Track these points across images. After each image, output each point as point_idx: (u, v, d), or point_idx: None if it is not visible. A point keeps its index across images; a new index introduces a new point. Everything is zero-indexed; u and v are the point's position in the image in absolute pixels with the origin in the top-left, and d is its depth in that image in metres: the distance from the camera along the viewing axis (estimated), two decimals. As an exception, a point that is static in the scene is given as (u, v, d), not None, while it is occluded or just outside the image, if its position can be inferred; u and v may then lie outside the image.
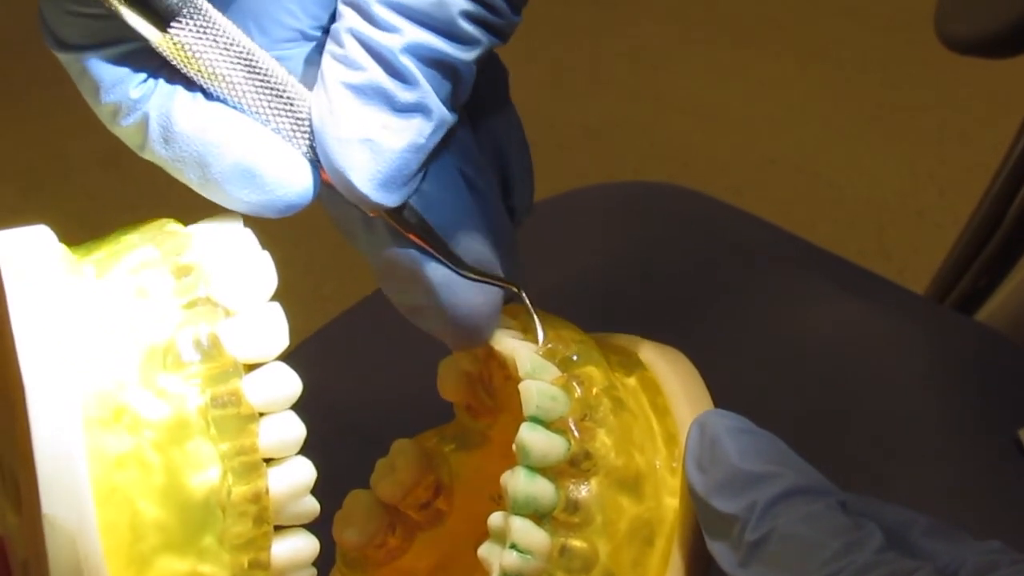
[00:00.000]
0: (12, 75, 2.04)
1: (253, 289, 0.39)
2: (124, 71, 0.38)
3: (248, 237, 0.40)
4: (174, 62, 0.38)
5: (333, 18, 0.39)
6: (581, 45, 2.09)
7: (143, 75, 0.38)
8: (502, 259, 0.42)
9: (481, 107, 0.43)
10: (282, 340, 0.39)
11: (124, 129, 0.39)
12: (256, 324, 0.38)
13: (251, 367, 0.39)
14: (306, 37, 0.40)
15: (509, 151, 0.44)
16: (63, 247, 0.39)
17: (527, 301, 0.43)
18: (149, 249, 0.39)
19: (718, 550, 0.40)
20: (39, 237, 0.38)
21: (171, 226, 0.40)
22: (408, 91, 0.38)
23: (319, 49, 0.40)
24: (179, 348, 0.38)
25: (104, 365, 0.37)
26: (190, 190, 0.40)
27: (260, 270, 0.39)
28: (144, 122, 0.39)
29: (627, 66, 2.07)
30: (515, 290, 0.43)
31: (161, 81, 0.39)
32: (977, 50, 0.83)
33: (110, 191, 1.79)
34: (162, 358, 0.38)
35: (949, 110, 1.92)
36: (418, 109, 0.38)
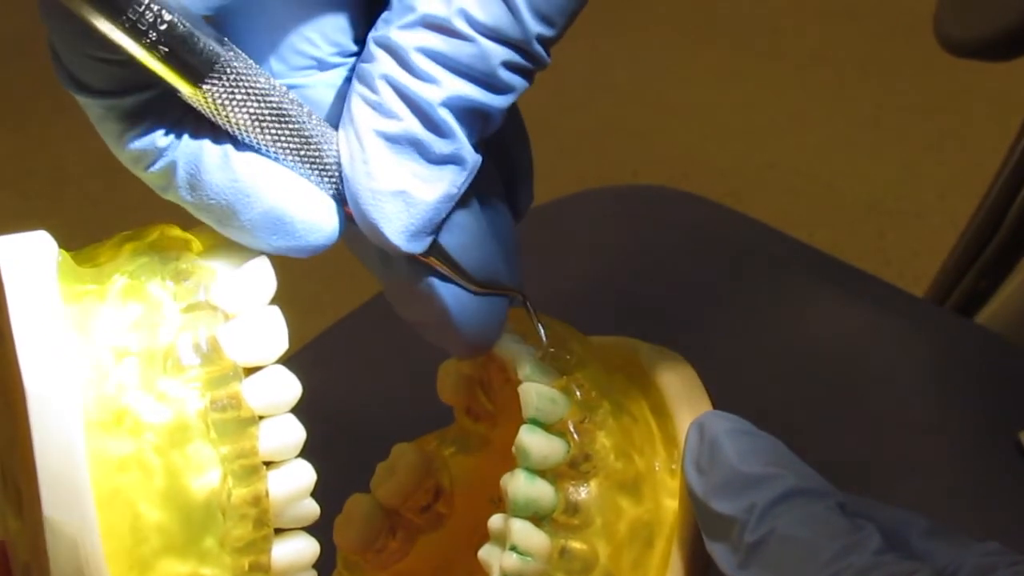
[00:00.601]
0: (11, 80, 2.04)
1: (252, 293, 0.39)
2: (149, 119, 0.37)
3: None
4: (207, 114, 0.37)
5: (355, 40, 0.39)
6: (580, 49, 2.09)
7: (168, 123, 0.37)
8: (508, 267, 0.42)
9: None
10: (281, 343, 0.39)
11: (148, 175, 0.38)
12: (255, 328, 0.38)
13: (251, 370, 0.39)
14: (323, 66, 0.39)
15: (513, 149, 0.43)
16: (63, 252, 0.39)
17: (529, 307, 0.43)
18: (149, 254, 0.39)
19: (717, 552, 0.40)
20: (39, 242, 0.38)
21: (171, 231, 0.40)
22: (444, 143, 0.37)
23: (339, 76, 0.39)
24: (179, 352, 0.38)
25: (104, 369, 0.37)
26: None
27: (259, 274, 0.39)
28: (171, 170, 0.37)
29: (626, 70, 2.07)
30: (520, 297, 0.42)
31: (188, 129, 0.38)
32: (975, 53, 0.83)
33: (111, 197, 1.79)
34: (162, 362, 0.38)
35: (948, 113, 1.92)
36: (453, 160, 0.37)
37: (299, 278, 1.57)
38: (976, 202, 0.99)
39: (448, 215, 0.39)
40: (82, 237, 0.43)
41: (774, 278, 0.84)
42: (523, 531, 0.40)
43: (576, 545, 0.41)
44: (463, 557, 0.46)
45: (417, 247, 0.38)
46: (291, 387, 0.39)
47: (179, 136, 0.37)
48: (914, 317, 0.82)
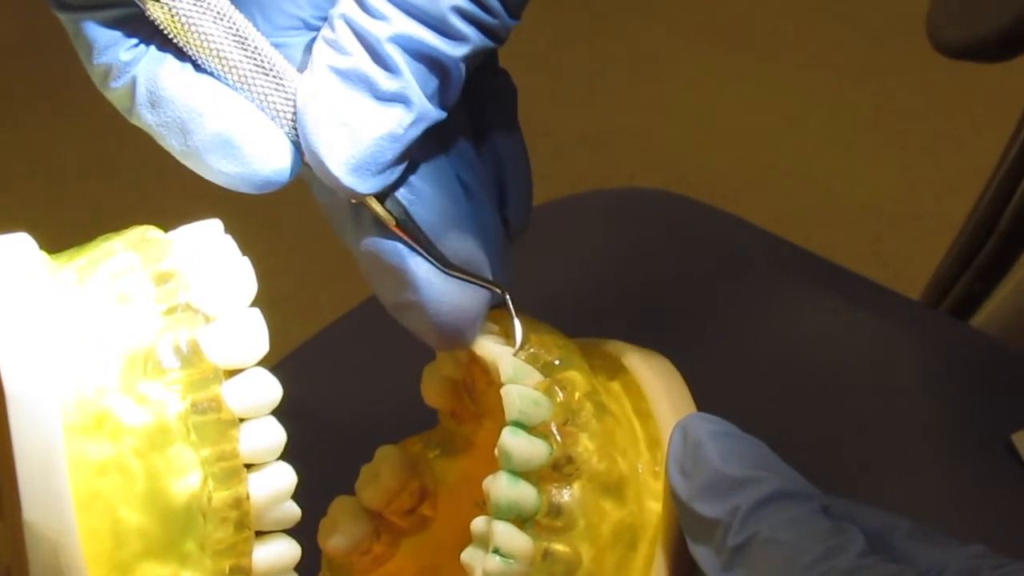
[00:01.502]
0: (7, 84, 2.04)
1: (233, 295, 0.39)
2: (117, 34, 0.39)
3: (228, 243, 0.40)
4: (166, 31, 0.39)
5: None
6: (578, 52, 2.09)
7: (135, 39, 0.39)
8: (491, 263, 0.42)
9: (485, 120, 0.44)
10: (262, 346, 0.39)
11: (113, 92, 0.40)
12: (236, 330, 0.38)
13: (232, 373, 0.39)
14: (308, 26, 0.40)
15: (508, 166, 0.44)
16: (44, 254, 0.39)
17: (509, 303, 0.43)
18: (130, 256, 0.39)
19: (701, 554, 0.40)
20: (19, 244, 0.38)
21: (151, 232, 0.40)
22: (390, 80, 0.38)
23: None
24: (159, 354, 0.38)
25: (85, 372, 0.37)
26: (184, 201, 0.40)
27: (240, 276, 0.39)
28: (132, 85, 0.39)
29: (624, 73, 2.07)
30: (498, 291, 0.43)
31: (152, 47, 0.39)
32: (968, 55, 0.83)
33: (109, 200, 1.79)
34: (143, 364, 0.38)
35: (945, 116, 1.92)
36: (399, 99, 0.38)
37: (295, 283, 1.57)
38: (973, 205, 0.99)
39: (425, 193, 0.40)
40: (80, 240, 0.43)
41: (769, 281, 0.84)
42: (506, 533, 0.40)
43: (559, 547, 0.41)
44: (448, 560, 0.46)
45: (360, 184, 0.39)
46: (272, 389, 0.39)
47: (143, 53, 0.39)
48: (908, 320, 0.82)
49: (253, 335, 0.39)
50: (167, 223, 0.41)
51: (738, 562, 0.38)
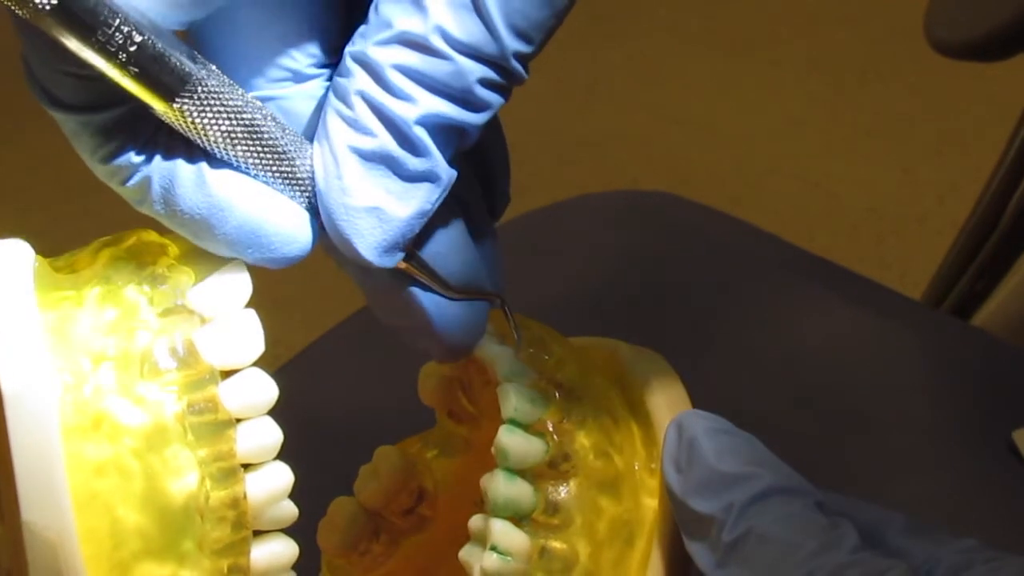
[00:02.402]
0: (9, 93, 2.04)
1: (229, 296, 0.39)
2: (123, 135, 0.37)
3: None
4: (180, 130, 0.37)
5: (331, 51, 0.39)
6: (579, 57, 2.09)
7: (143, 138, 0.37)
8: (486, 272, 0.42)
9: None
10: (258, 346, 0.39)
11: (124, 190, 0.38)
12: (232, 331, 0.39)
13: (228, 374, 0.39)
14: (300, 77, 0.39)
15: (490, 152, 0.43)
16: (40, 259, 0.39)
17: (507, 308, 0.43)
18: (126, 259, 0.39)
19: (696, 551, 0.40)
20: (16, 249, 0.38)
21: (148, 236, 0.40)
22: (419, 161, 0.37)
23: (317, 87, 0.39)
24: (156, 356, 0.38)
25: (82, 374, 0.37)
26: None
27: (235, 277, 0.39)
28: (146, 185, 0.37)
29: (625, 78, 2.07)
30: (498, 300, 0.43)
31: (162, 144, 0.37)
32: (967, 54, 0.83)
33: (110, 212, 1.79)
34: (139, 366, 0.38)
35: (947, 118, 1.92)
36: (427, 178, 0.37)
37: (299, 287, 1.57)
38: (974, 205, 0.99)
39: (425, 225, 0.39)
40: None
41: (771, 282, 0.84)
42: (503, 531, 0.41)
43: (556, 545, 0.41)
44: (447, 559, 0.46)
45: (390, 262, 0.38)
46: (268, 389, 0.39)
47: (153, 152, 0.37)
48: (909, 320, 0.82)
49: (249, 336, 0.39)
50: (169, 232, 0.41)
51: (733, 558, 0.39)
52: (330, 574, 0.48)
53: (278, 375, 0.40)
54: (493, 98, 0.37)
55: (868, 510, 0.40)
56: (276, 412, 0.40)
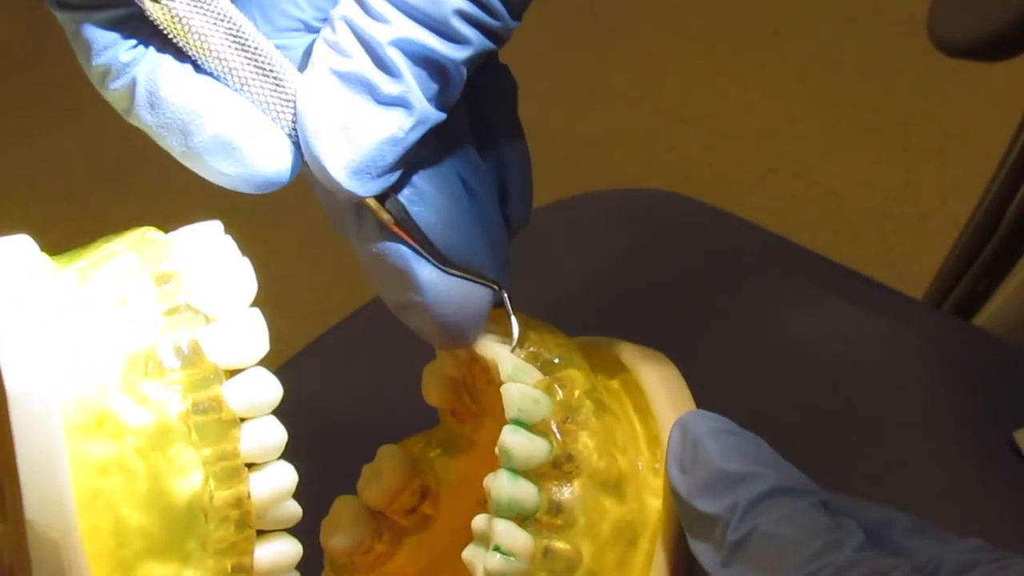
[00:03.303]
0: (14, 93, 2.04)
1: (233, 295, 0.39)
2: (116, 35, 0.39)
3: (228, 243, 0.40)
4: (165, 31, 0.38)
5: None
6: (581, 56, 2.09)
7: (134, 40, 0.39)
8: (492, 263, 0.42)
9: (486, 116, 0.43)
10: (262, 346, 0.39)
11: (112, 93, 0.39)
12: (236, 330, 0.39)
13: (232, 373, 0.39)
14: (309, 28, 0.40)
15: (509, 162, 0.44)
16: (44, 256, 0.39)
17: (506, 301, 0.43)
18: (130, 257, 0.39)
19: (700, 550, 0.40)
20: (20, 246, 0.38)
21: (151, 234, 0.40)
22: (392, 84, 0.38)
23: None
24: (160, 355, 0.38)
25: (86, 372, 0.37)
26: (191, 208, 0.40)
27: (240, 276, 0.39)
28: (132, 86, 0.39)
29: (627, 76, 2.07)
30: (496, 288, 0.43)
31: (152, 48, 0.39)
32: (970, 53, 0.83)
33: (114, 209, 1.79)
34: (144, 365, 0.38)
35: (949, 116, 1.92)
36: (400, 103, 0.38)
37: (304, 286, 1.57)
38: (976, 204, 0.99)
39: (426, 192, 0.40)
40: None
41: (770, 280, 0.84)
42: (506, 531, 0.40)
43: (559, 545, 0.41)
44: (449, 559, 0.46)
45: (360, 188, 0.39)
46: (272, 389, 0.39)
47: (143, 54, 0.39)
48: (910, 319, 0.82)
49: (253, 335, 0.39)
50: (173, 229, 0.41)
51: (737, 558, 0.38)
52: (332, 573, 0.48)
53: (281, 373, 0.40)
54: (473, 35, 0.38)
55: (872, 510, 0.40)
56: (278, 411, 0.40)
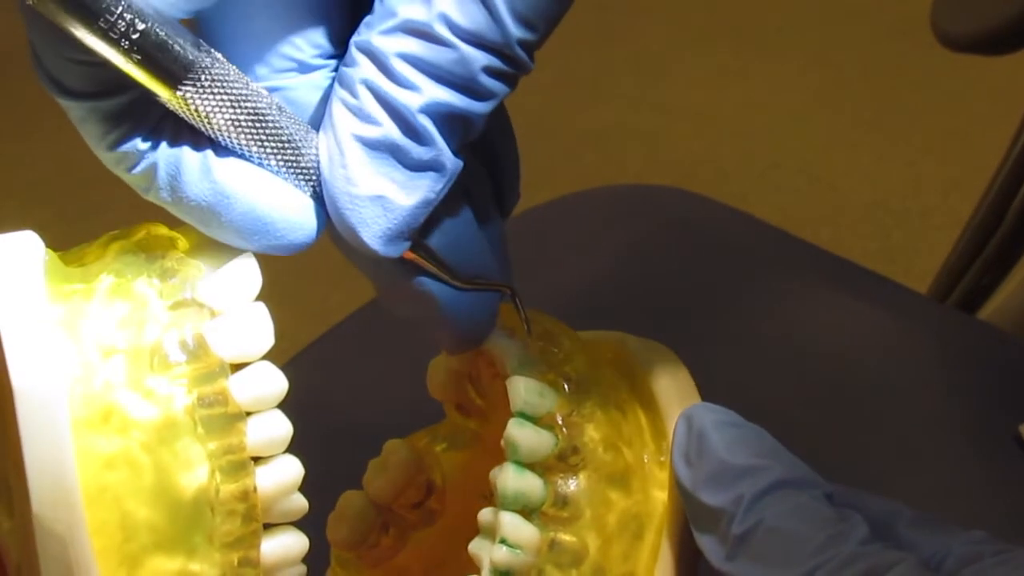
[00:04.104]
0: (16, 87, 2.04)
1: (238, 289, 0.39)
2: (130, 122, 0.37)
3: None
4: (185, 117, 0.37)
5: (337, 42, 0.39)
6: (584, 51, 2.09)
7: (149, 125, 0.37)
8: (497, 266, 0.42)
9: None
10: (267, 339, 0.39)
11: (130, 177, 0.38)
12: (241, 324, 0.38)
13: (238, 367, 0.39)
14: (305, 68, 0.39)
15: (499, 148, 0.43)
16: (50, 252, 0.39)
17: (517, 300, 0.43)
18: (135, 252, 0.39)
19: (706, 543, 0.40)
20: (26, 242, 0.38)
21: (157, 229, 0.40)
22: (423, 150, 0.37)
23: (323, 77, 0.39)
24: (166, 349, 0.38)
25: (92, 367, 0.37)
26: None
27: (244, 270, 0.39)
28: (152, 172, 0.38)
29: (630, 72, 2.07)
30: (508, 292, 0.43)
31: (168, 131, 0.38)
32: (972, 47, 0.83)
33: (115, 206, 1.79)
34: (149, 359, 0.38)
35: (952, 112, 1.92)
36: (432, 167, 0.37)
37: (308, 283, 1.57)
38: (979, 199, 0.99)
39: (432, 214, 0.39)
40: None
41: (773, 275, 0.84)
42: (512, 524, 0.41)
43: (566, 538, 0.41)
44: (455, 553, 0.46)
45: (395, 251, 0.38)
46: (277, 383, 0.39)
47: (159, 139, 0.37)
48: (915, 314, 0.82)
49: (258, 329, 0.39)
50: (177, 226, 0.41)
51: (742, 551, 0.38)
52: (339, 567, 0.48)
53: (286, 369, 0.40)
54: (498, 87, 0.37)
55: (877, 502, 0.40)
56: (285, 406, 0.40)
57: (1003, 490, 0.71)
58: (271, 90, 0.39)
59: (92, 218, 1.78)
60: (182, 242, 0.40)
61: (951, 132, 1.89)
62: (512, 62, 0.37)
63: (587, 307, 0.81)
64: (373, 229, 0.38)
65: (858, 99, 1.97)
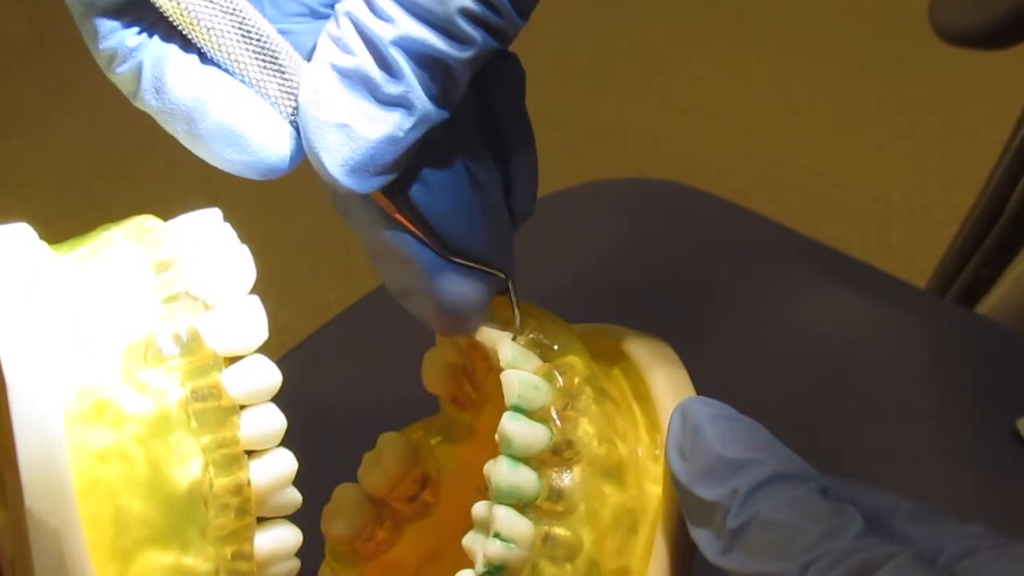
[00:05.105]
0: (16, 85, 2.04)
1: (232, 282, 0.39)
2: (123, 20, 0.39)
3: (227, 231, 0.40)
4: (170, 17, 0.38)
5: None
6: (585, 46, 2.09)
7: (141, 25, 0.39)
8: (496, 251, 0.42)
9: (493, 106, 0.43)
10: (261, 333, 0.39)
11: (118, 76, 0.39)
12: (235, 317, 0.39)
13: (232, 360, 0.39)
14: (315, 14, 0.40)
15: (515, 154, 0.43)
16: (43, 244, 0.39)
17: (512, 289, 0.43)
18: (129, 245, 0.39)
19: (701, 537, 0.40)
20: (19, 234, 0.38)
21: (150, 222, 0.40)
22: (393, 84, 0.37)
23: None
24: (159, 342, 0.38)
25: (85, 361, 0.37)
26: (193, 201, 0.40)
27: (238, 263, 0.39)
28: (138, 71, 0.39)
29: (630, 67, 2.07)
30: (500, 276, 0.43)
31: (158, 33, 0.39)
32: (971, 42, 0.83)
33: (115, 201, 1.79)
34: (143, 353, 0.38)
35: (952, 107, 1.92)
36: (400, 103, 0.38)
37: (305, 279, 1.58)
38: (978, 193, 0.99)
39: (429, 178, 0.40)
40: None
41: (777, 270, 0.84)
42: (507, 518, 0.40)
43: (560, 531, 0.41)
44: (450, 546, 0.46)
45: (358, 185, 0.39)
46: (271, 376, 0.39)
47: (149, 39, 0.39)
48: (914, 308, 0.82)
49: (252, 322, 0.39)
50: (171, 219, 0.41)
51: (737, 544, 0.38)
52: (334, 561, 0.48)
53: (282, 364, 0.40)
54: (478, 34, 0.38)
55: (873, 496, 0.40)
56: (280, 400, 0.40)
57: (1000, 484, 0.71)
58: (281, 33, 0.40)
59: (88, 213, 1.78)
60: (176, 235, 0.40)
61: (952, 127, 1.89)
62: (493, 8, 0.37)
63: (585, 301, 0.81)
64: (335, 156, 0.38)
65: (859, 94, 1.97)
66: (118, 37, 0.39)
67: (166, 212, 0.41)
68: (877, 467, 0.71)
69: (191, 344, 0.38)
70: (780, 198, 1.77)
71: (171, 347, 0.38)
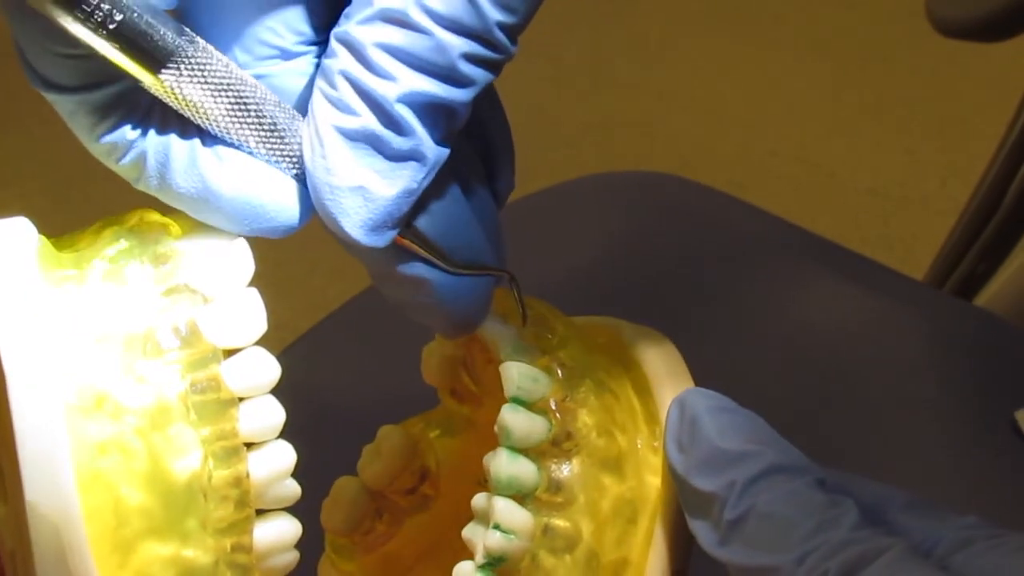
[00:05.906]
0: (14, 81, 2.04)
1: (231, 275, 0.39)
2: (119, 112, 0.37)
3: None
4: (170, 103, 0.37)
5: (320, 28, 0.39)
6: (582, 39, 2.09)
7: (138, 115, 0.38)
8: (491, 251, 0.42)
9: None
10: (260, 325, 0.39)
11: (120, 167, 0.38)
12: (234, 310, 0.39)
13: (231, 352, 0.39)
14: (287, 54, 0.39)
15: (493, 134, 0.43)
16: (43, 238, 0.39)
17: (516, 286, 0.43)
18: (128, 238, 0.39)
19: (698, 529, 0.40)
20: (18, 228, 0.38)
21: (150, 215, 0.40)
22: (403, 140, 0.37)
23: (307, 63, 0.39)
24: (158, 335, 0.38)
25: (85, 353, 0.37)
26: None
27: (237, 256, 0.39)
28: (141, 161, 0.38)
29: (628, 60, 2.07)
30: (504, 275, 0.42)
31: (156, 120, 0.38)
32: (967, 34, 0.83)
33: (113, 198, 1.79)
34: (142, 345, 0.38)
35: (949, 99, 1.92)
36: (412, 156, 0.37)
37: (304, 274, 1.58)
38: (976, 186, 0.99)
39: (425, 199, 0.39)
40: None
41: (771, 262, 0.84)
42: (506, 509, 0.41)
43: (559, 523, 0.41)
44: (449, 538, 0.47)
45: (378, 240, 0.38)
46: (270, 369, 0.39)
47: (148, 128, 0.38)
48: (912, 300, 0.82)
49: (251, 315, 0.39)
50: (170, 212, 0.41)
51: (734, 536, 0.38)
52: (333, 553, 0.48)
53: (282, 357, 0.40)
54: (479, 73, 0.37)
55: (870, 487, 0.40)
56: (280, 394, 0.40)
57: (998, 475, 0.71)
58: (256, 77, 0.39)
59: (87, 207, 1.78)
60: (175, 228, 0.40)
61: (949, 119, 1.89)
62: (492, 47, 0.37)
63: (583, 294, 0.81)
64: (354, 219, 0.37)
65: (856, 86, 1.97)
66: (117, 131, 0.37)
67: (159, 204, 0.41)
68: (873, 458, 0.72)
69: (190, 337, 0.38)
70: (777, 190, 1.78)
71: (170, 339, 0.38)
